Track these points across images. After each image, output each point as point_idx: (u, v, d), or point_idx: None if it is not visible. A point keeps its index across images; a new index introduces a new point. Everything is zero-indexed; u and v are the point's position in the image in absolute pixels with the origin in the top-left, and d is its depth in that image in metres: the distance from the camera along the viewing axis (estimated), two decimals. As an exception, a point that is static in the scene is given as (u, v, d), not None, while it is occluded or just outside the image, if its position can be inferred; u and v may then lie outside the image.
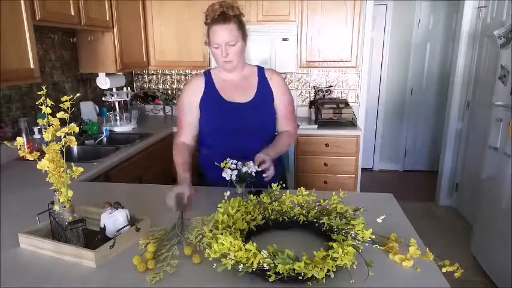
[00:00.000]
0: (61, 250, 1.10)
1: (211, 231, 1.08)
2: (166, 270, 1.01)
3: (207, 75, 1.68)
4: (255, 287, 0.96)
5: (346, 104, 3.48)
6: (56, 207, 1.15)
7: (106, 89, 3.18)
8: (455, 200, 3.85)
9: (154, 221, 1.29)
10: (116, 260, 1.10)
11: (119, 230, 1.15)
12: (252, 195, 1.31)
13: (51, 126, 1.08)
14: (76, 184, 1.52)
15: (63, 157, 1.10)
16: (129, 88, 3.27)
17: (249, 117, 1.62)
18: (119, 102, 3.21)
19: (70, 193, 1.11)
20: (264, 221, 1.23)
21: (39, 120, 1.11)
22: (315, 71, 3.72)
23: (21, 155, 1.09)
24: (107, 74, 3.07)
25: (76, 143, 1.11)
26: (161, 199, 1.41)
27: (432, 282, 1.00)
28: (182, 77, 3.94)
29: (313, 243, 1.17)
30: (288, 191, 1.38)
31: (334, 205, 1.24)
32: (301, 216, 1.24)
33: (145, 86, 4.01)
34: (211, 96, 1.64)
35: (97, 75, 3.08)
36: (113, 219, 1.18)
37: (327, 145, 3.22)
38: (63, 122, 1.09)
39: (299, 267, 0.91)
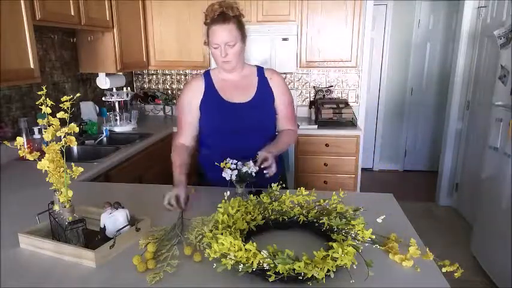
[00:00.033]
0: (61, 250, 1.10)
1: (211, 231, 1.08)
2: (167, 270, 1.01)
3: (207, 76, 1.67)
4: (255, 287, 0.96)
5: (346, 104, 3.48)
6: (56, 207, 1.15)
7: (106, 89, 3.18)
8: (455, 200, 3.85)
9: (154, 221, 1.29)
10: (115, 260, 1.10)
11: (119, 230, 1.15)
12: (252, 195, 1.31)
13: (51, 126, 1.08)
14: (76, 184, 1.52)
15: (63, 157, 1.10)
16: (129, 88, 3.27)
17: (249, 117, 1.62)
18: (119, 102, 3.21)
19: (70, 193, 1.11)
20: (264, 221, 1.23)
21: (39, 120, 1.11)
22: (315, 71, 3.72)
23: (21, 155, 1.09)
24: (107, 74, 3.07)
25: (76, 143, 1.11)
26: (161, 199, 1.42)
27: (432, 282, 1.00)
28: (182, 77, 3.94)
29: (313, 243, 1.17)
30: (288, 191, 1.38)
31: (334, 205, 1.24)
32: (301, 216, 1.24)
33: (145, 86, 4.01)
34: (211, 97, 1.64)
35: (97, 75, 3.08)
36: (113, 219, 1.18)
37: (327, 145, 3.22)
38: (63, 122, 1.09)
39: (299, 267, 0.91)
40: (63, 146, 1.08)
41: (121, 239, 1.14)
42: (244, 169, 1.36)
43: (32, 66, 1.98)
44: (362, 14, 3.27)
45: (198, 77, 1.70)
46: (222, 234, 1.03)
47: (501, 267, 2.42)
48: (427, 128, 4.91)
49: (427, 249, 1.12)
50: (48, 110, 1.07)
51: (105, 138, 2.86)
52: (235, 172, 1.37)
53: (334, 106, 3.38)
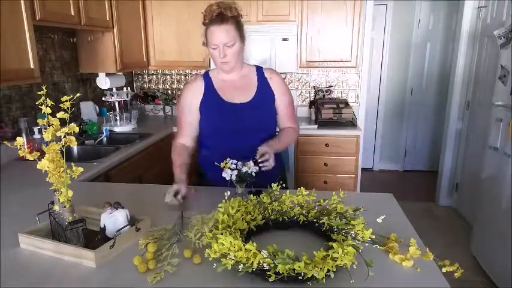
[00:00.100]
0: (61, 250, 1.10)
1: (211, 231, 1.08)
2: (167, 270, 1.01)
3: (206, 77, 1.67)
4: (255, 287, 0.96)
5: (346, 104, 3.48)
6: (56, 207, 1.15)
7: (106, 89, 3.18)
8: (455, 200, 3.85)
9: (154, 221, 1.29)
10: (115, 260, 1.10)
11: (119, 230, 1.15)
12: (252, 195, 1.31)
13: (51, 126, 1.08)
14: (76, 184, 1.52)
15: (63, 157, 1.10)
16: (129, 88, 3.27)
17: (249, 117, 1.62)
18: (119, 102, 3.21)
19: (70, 193, 1.11)
20: (264, 221, 1.23)
21: (39, 120, 1.11)
22: (315, 71, 3.71)
23: (21, 155, 1.09)
24: (107, 74, 3.07)
25: (76, 143, 1.11)
26: (161, 199, 1.42)
27: (432, 282, 1.00)
28: (182, 77, 3.94)
29: (313, 243, 1.17)
30: (288, 191, 1.38)
31: (334, 205, 1.24)
32: (301, 216, 1.24)
33: (145, 86, 4.01)
34: (210, 98, 1.63)
35: (97, 75, 3.08)
36: (113, 219, 1.18)
37: (327, 145, 3.22)
38: (63, 122, 1.09)
39: (299, 267, 0.91)
40: (63, 146, 1.08)
41: (121, 239, 1.14)
42: (244, 169, 1.36)
43: (32, 66, 1.98)
44: (362, 14, 3.27)
45: (197, 78, 1.70)
46: (222, 234, 1.03)
47: (501, 267, 2.42)
48: (427, 128, 4.91)
49: (427, 249, 1.12)
50: (48, 110, 1.07)
51: (105, 138, 2.86)
52: (235, 172, 1.37)
53: (334, 106, 3.38)
